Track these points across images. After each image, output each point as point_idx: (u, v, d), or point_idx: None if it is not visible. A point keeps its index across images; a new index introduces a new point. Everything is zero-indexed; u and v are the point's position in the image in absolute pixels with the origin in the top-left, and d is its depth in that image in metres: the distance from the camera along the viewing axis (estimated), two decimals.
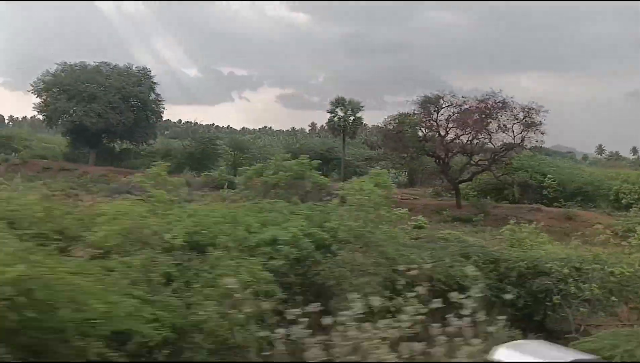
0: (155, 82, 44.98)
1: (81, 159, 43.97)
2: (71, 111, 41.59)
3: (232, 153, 44.57)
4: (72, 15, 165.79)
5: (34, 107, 45.98)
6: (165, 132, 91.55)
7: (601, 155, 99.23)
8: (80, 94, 41.05)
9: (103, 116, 41.07)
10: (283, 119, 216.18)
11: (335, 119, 45.40)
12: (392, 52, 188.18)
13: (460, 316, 5.48)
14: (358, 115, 46.11)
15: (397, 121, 39.69)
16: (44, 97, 42.90)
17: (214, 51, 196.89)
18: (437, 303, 5.62)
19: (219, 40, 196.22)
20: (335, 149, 50.06)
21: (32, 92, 44.55)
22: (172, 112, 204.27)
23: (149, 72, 43.92)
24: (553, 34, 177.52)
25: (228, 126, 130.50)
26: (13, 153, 45.25)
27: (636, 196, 39.45)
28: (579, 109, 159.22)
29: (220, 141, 51.28)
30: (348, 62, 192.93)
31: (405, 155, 39.09)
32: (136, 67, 44.41)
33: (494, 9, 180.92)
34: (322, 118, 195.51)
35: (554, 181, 41.50)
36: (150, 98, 45.03)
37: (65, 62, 43.70)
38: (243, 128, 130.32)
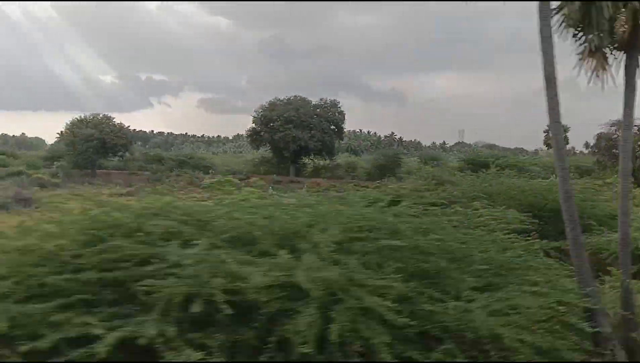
0: (343, 111, 54.48)
1: (281, 173, 51.13)
2: (281, 135, 50.12)
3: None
4: None
5: (247, 133, 54.59)
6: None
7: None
8: (297, 121, 50.55)
9: (308, 138, 50.52)
10: (206, 124, 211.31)
11: None
12: (312, 55, 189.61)
13: None
14: None
15: None
16: (259, 123, 51.64)
17: (131, 57, 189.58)
18: None
19: (137, 45, 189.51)
20: None
21: (254, 118, 53.32)
22: None
23: (337, 102, 54.48)
24: (462, 33, 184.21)
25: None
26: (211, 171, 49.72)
27: None
28: (494, 106, 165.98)
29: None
30: (269, 66, 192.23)
31: None
32: (329, 100, 54.77)
33: (407, 11, 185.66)
34: (246, 122, 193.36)
35: None
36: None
37: (278, 98, 53.98)
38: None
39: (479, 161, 37.62)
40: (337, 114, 53.55)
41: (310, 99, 53.29)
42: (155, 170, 47.98)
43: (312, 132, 49.93)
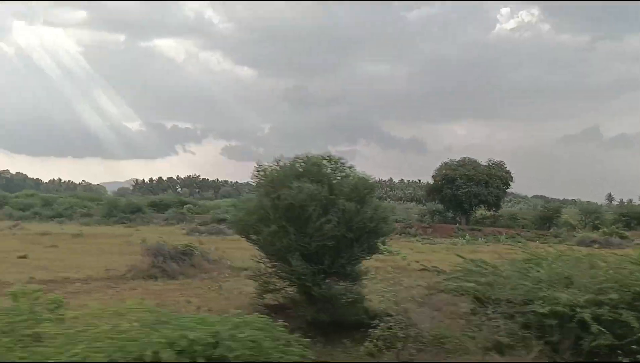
0: (509, 171, 59.26)
1: (449, 222, 55.76)
2: (465, 190, 56.16)
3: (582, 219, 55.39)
4: (8, 69, 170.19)
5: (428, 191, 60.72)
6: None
7: None
8: (475, 179, 56.34)
9: (487, 193, 56.45)
10: (229, 171, 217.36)
11: None
12: (333, 103, 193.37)
13: None
14: None
15: None
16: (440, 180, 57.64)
17: (157, 105, 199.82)
18: None
19: (163, 94, 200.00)
20: None
21: (434, 176, 58.41)
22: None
23: (503, 162, 59.67)
24: (481, 82, 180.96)
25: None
26: None
27: None
28: (513, 155, 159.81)
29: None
30: (292, 114, 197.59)
31: None
32: (496, 160, 60.17)
33: (426, 60, 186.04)
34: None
35: None
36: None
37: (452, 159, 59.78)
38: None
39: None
40: (504, 172, 60.59)
41: (478, 160, 59.52)
42: None
43: (489, 189, 56.89)
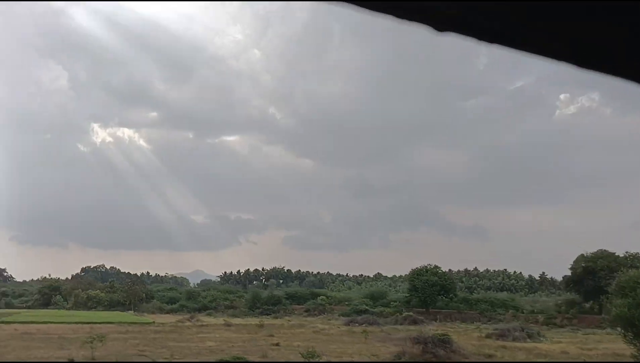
0: None
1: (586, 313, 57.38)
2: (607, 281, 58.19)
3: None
4: (78, 163, 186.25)
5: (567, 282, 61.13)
6: None
7: None
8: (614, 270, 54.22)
9: None
10: (291, 261, 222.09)
11: None
12: (393, 191, 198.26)
13: None
14: None
15: None
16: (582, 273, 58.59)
17: (222, 197, 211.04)
18: None
19: (227, 186, 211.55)
20: None
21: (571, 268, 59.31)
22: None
23: (638, 254, 58.65)
24: (544, 167, 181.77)
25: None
26: None
27: None
28: (576, 240, 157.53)
29: None
30: (351, 202, 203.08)
31: None
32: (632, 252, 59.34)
33: (486, 147, 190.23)
34: (327, 259, 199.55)
35: None
36: None
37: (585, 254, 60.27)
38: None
39: None
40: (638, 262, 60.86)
41: (615, 252, 59.00)
42: (483, 309, 55.21)
43: None
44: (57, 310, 66.78)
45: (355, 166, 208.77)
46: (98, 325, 44.99)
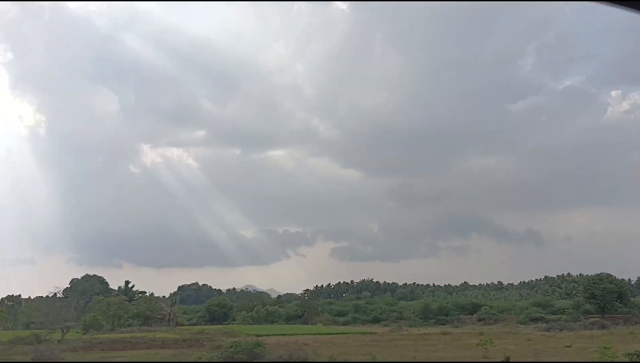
0: None
1: None
2: None
3: None
4: (130, 184, 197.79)
5: None
6: None
7: None
8: None
9: None
10: (340, 273, 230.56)
11: None
12: (441, 199, 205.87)
13: None
14: None
15: None
16: None
17: (270, 212, 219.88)
18: None
19: (274, 200, 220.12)
20: None
21: None
22: None
23: None
24: (598, 167, 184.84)
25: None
26: None
27: None
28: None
29: None
30: (399, 212, 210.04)
31: None
32: None
33: (536, 149, 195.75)
34: (375, 270, 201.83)
35: None
36: None
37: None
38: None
39: None
40: None
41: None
42: None
43: None
44: (242, 325, 77.45)
45: (402, 175, 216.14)
46: (337, 336, 55.89)
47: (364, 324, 73.23)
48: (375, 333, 58.15)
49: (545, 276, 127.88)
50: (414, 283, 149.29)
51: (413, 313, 75.64)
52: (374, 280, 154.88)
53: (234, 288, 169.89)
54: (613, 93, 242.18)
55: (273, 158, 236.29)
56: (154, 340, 55.83)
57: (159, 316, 79.27)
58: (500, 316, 68.80)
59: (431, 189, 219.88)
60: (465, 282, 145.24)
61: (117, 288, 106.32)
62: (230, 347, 29.55)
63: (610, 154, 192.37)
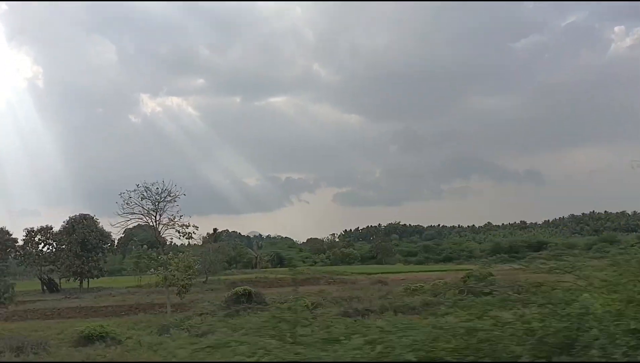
0: None
1: None
2: None
3: None
4: (136, 139, 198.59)
5: None
6: None
7: None
8: None
9: None
10: (343, 218, 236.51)
11: None
12: (443, 142, 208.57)
13: None
14: None
15: None
16: None
17: (272, 159, 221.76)
18: None
19: (276, 148, 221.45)
20: None
21: None
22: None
23: None
24: (600, 104, 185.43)
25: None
26: None
27: None
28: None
29: None
30: (401, 156, 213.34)
31: None
32: None
33: (538, 88, 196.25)
34: (378, 215, 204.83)
35: None
36: None
37: None
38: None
39: None
40: None
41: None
42: None
43: None
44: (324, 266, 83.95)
45: (404, 119, 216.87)
46: (434, 274, 62.56)
47: (437, 263, 79.61)
48: (471, 269, 64.60)
49: (571, 214, 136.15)
50: (439, 224, 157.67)
51: (483, 252, 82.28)
52: (400, 223, 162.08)
53: (239, 234, 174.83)
54: (616, 29, 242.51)
55: (274, 105, 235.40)
56: (279, 280, 59.57)
57: (245, 260, 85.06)
58: (571, 252, 75.58)
59: (434, 132, 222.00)
60: (489, 222, 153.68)
61: None
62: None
63: (612, 91, 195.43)
